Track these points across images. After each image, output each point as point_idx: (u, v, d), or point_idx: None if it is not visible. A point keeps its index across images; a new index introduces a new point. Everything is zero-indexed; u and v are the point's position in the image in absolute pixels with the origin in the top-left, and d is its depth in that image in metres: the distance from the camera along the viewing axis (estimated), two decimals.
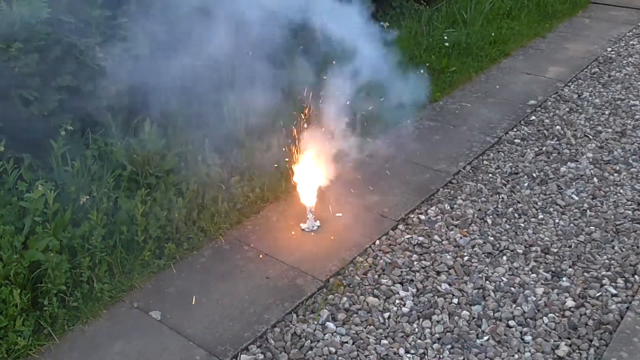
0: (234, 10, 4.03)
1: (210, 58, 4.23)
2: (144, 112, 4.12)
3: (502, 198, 4.13)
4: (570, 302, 3.22)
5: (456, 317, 3.12)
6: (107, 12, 3.67)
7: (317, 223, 3.78)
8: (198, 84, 4.16)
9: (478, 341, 2.99)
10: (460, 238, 3.72)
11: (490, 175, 4.41)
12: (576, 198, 4.11)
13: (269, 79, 4.36)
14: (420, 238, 3.71)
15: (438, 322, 3.10)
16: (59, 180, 3.49)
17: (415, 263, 3.51)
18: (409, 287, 3.32)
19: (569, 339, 3.01)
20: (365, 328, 3.07)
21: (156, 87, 4.21)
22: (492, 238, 3.72)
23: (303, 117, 4.09)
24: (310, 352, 2.93)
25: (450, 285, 3.34)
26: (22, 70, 3.39)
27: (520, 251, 3.60)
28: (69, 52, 3.63)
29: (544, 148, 4.75)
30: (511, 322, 3.10)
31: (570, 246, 3.65)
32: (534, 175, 4.39)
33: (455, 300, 3.24)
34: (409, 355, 2.92)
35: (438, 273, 3.43)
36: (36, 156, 3.62)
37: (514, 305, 3.20)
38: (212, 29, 4.17)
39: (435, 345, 2.97)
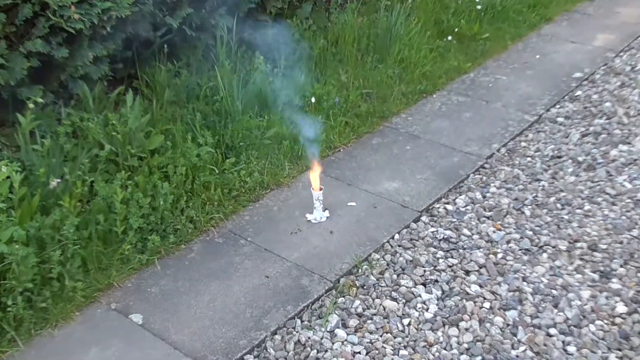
0: None
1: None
2: (125, 82, 4.13)
3: (543, 186, 4.09)
4: (621, 308, 3.16)
5: (488, 324, 3.08)
6: None
7: (326, 213, 3.74)
8: (187, 48, 4.13)
9: (513, 352, 2.94)
10: (494, 232, 3.68)
11: (528, 159, 4.39)
12: (629, 186, 4.07)
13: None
14: (447, 232, 3.68)
15: (467, 329, 3.06)
16: (26, 160, 3.49)
17: (440, 261, 3.47)
18: (433, 289, 3.28)
19: (620, 350, 2.95)
20: (381, 336, 3.03)
21: (140, 52, 4.26)
22: (530, 232, 3.68)
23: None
24: None
25: (481, 287, 3.30)
26: None
27: (563, 248, 3.55)
28: (41, 13, 3.61)
29: (591, 128, 4.73)
30: (552, 330, 3.04)
31: (621, 242, 3.59)
32: (580, 159, 4.35)
33: (486, 305, 3.19)
34: None
35: (467, 273, 3.39)
36: (0, 133, 3.62)
37: (555, 311, 3.15)
38: None
39: (463, 357, 2.93)
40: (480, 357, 2.91)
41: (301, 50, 4.96)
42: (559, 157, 4.39)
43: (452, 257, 3.50)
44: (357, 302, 3.19)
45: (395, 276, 3.36)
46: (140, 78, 4.32)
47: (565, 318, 3.10)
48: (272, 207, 3.83)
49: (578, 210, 3.84)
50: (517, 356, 2.91)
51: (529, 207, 3.88)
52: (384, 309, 3.16)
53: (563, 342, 2.98)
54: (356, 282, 3.31)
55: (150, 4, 4.05)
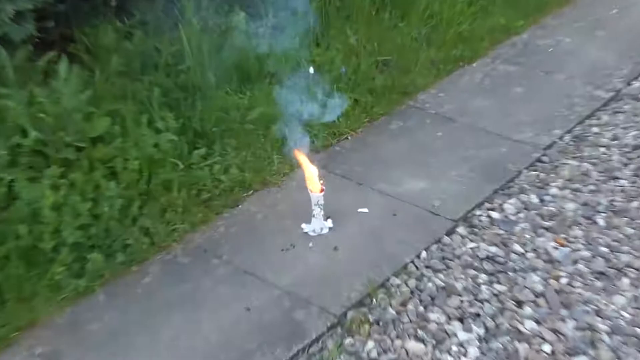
0: None
1: None
2: (58, 46, 4.09)
3: (622, 186, 4.06)
4: None
5: None
6: None
7: (329, 223, 3.74)
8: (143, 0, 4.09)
9: None
10: (555, 249, 3.63)
11: (602, 149, 4.40)
12: None
13: None
14: (492, 248, 3.64)
15: None
16: None
17: (483, 288, 3.41)
18: (474, 326, 3.20)
19: None
20: None
21: (79, 7, 4.28)
22: (605, 249, 3.62)
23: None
24: None
25: (538, 323, 3.22)
26: None
27: None
28: None
29: None
30: None
31: None
32: None
33: (546, 348, 3.09)
34: None
35: (519, 304, 3.32)
36: None
37: None
38: None
39: None
40: None
41: (295, 4, 4.95)
42: None
43: (498, 282, 3.44)
44: (371, 343, 3.12)
45: (422, 308, 3.30)
46: (79, 41, 4.30)
47: None
48: (256, 215, 3.83)
49: None
50: None
51: (604, 215, 3.85)
52: (407, 353, 3.08)
53: None
54: (369, 316, 3.25)
55: None
